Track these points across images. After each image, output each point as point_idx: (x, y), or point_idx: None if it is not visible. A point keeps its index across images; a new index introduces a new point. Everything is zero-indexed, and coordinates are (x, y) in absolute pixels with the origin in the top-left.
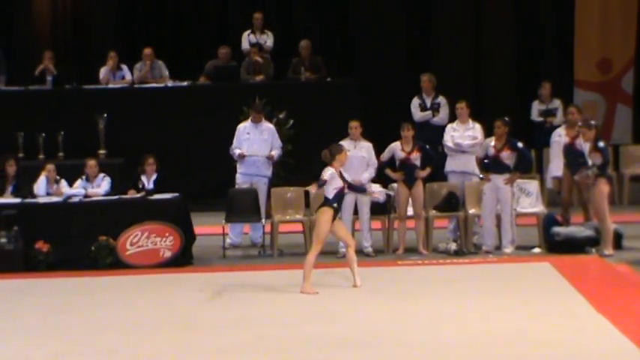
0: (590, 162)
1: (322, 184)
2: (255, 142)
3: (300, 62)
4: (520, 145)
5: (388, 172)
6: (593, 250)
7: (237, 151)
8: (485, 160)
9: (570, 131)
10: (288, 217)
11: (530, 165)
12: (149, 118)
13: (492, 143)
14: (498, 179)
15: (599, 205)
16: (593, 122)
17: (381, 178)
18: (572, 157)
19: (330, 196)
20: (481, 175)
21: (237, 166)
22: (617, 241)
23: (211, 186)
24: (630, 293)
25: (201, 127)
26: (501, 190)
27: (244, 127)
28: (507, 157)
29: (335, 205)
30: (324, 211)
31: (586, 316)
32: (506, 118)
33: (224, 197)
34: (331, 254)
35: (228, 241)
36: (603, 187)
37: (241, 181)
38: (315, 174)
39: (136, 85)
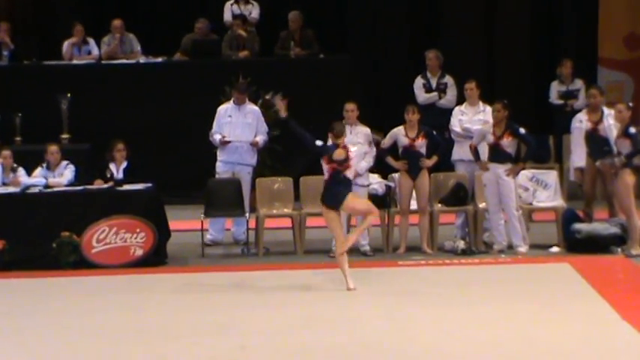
0: (615, 150)
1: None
2: (238, 126)
3: (289, 36)
4: (522, 130)
5: (389, 160)
6: (619, 249)
7: (217, 137)
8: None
9: (592, 116)
10: (275, 212)
11: (534, 153)
12: (118, 98)
13: (490, 130)
14: (499, 170)
15: (624, 198)
16: (630, 103)
17: (380, 167)
18: (596, 144)
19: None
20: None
21: (218, 153)
22: None
23: (189, 176)
24: None
25: (177, 109)
26: (503, 183)
27: (225, 110)
28: (508, 144)
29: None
30: (351, 196)
31: (610, 324)
32: (505, 101)
33: (203, 188)
34: (323, 253)
35: (208, 237)
36: (628, 179)
37: (222, 169)
38: (306, 163)
39: (103, 62)
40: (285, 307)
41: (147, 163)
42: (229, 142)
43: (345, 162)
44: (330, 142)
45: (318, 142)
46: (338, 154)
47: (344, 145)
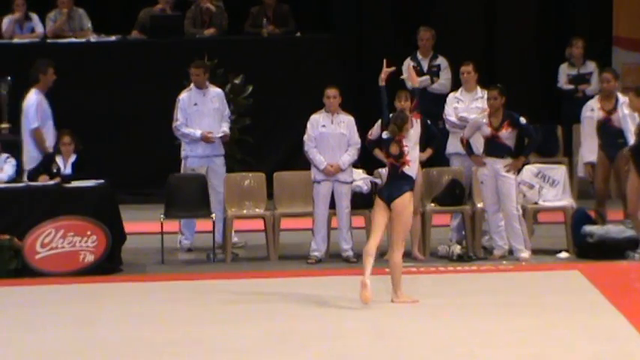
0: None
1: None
2: (207, 114)
3: (261, 12)
4: (523, 121)
5: (378, 153)
6: (637, 255)
7: (197, 132)
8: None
9: (605, 103)
10: (245, 212)
11: (536, 146)
12: (66, 82)
13: (486, 120)
14: (498, 165)
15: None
16: None
17: (365, 161)
18: (608, 136)
19: (415, 174)
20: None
21: (187, 147)
22: None
23: (147, 171)
24: None
25: (133, 94)
26: (502, 180)
27: (189, 97)
28: (508, 136)
29: None
30: (410, 196)
31: (626, 339)
32: (500, 86)
33: (163, 186)
34: (300, 259)
35: (184, 242)
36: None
37: (197, 165)
38: (280, 156)
39: (49, 40)
40: (255, 320)
41: (99, 156)
42: (213, 138)
43: (401, 157)
44: (385, 135)
45: (384, 134)
46: (393, 149)
47: (400, 138)
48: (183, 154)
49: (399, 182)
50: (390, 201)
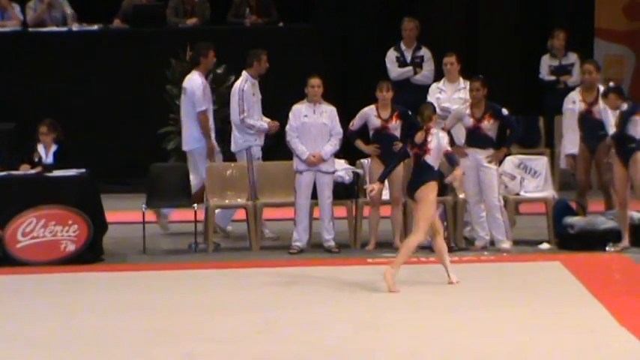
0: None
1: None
2: (259, 103)
3: (244, 2)
4: (505, 112)
5: (359, 144)
6: (617, 247)
7: (264, 124)
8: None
9: (587, 95)
10: (227, 202)
11: (518, 138)
12: (47, 71)
13: (468, 111)
14: (480, 156)
15: None
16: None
17: (347, 151)
18: (590, 128)
19: (436, 165)
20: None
21: (249, 136)
22: (638, 233)
23: (128, 160)
24: None
25: (116, 83)
26: (484, 171)
27: (248, 88)
28: (490, 127)
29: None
30: (433, 186)
31: (607, 330)
32: (481, 76)
33: (145, 175)
34: (282, 249)
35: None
36: None
37: (258, 154)
38: (262, 146)
39: (29, 29)
40: (237, 310)
41: (80, 145)
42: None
43: (424, 145)
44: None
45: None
46: (418, 137)
47: (428, 127)
48: (244, 144)
49: (419, 174)
50: (411, 195)
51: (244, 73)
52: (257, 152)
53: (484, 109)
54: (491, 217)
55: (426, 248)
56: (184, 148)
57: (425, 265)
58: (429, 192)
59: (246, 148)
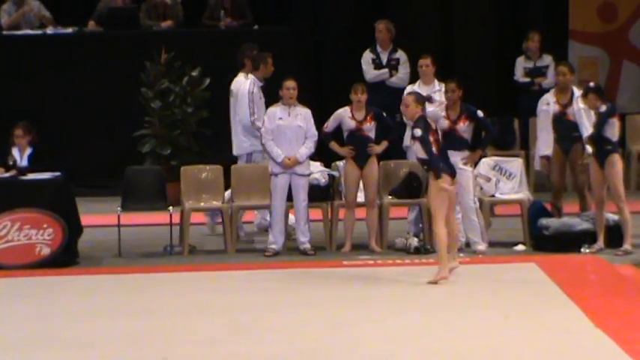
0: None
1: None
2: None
3: (219, 4)
4: (480, 114)
5: (333, 146)
6: (592, 248)
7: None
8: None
9: (561, 97)
10: (202, 204)
11: (493, 139)
12: (22, 74)
13: (443, 113)
14: (455, 158)
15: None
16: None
17: (323, 154)
18: (564, 130)
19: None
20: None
21: (255, 140)
22: (614, 234)
23: (104, 163)
24: (637, 303)
25: (91, 86)
26: (459, 172)
27: (257, 90)
28: (465, 129)
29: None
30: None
31: (582, 331)
32: (456, 78)
33: (120, 178)
34: (258, 251)
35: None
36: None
37: (260, 159)
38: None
39: (4, 32)
40: (212, 313)
41: (55, 148)
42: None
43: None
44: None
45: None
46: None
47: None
48: (249, 147)
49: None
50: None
51: (250, 75)
52: (258, 157)
53: (459, 111)
54: (467, 218)
55: (402, 250)
56: (234, 152)
57: (400, 267)
58: (431, 185)
59: (247, 153)
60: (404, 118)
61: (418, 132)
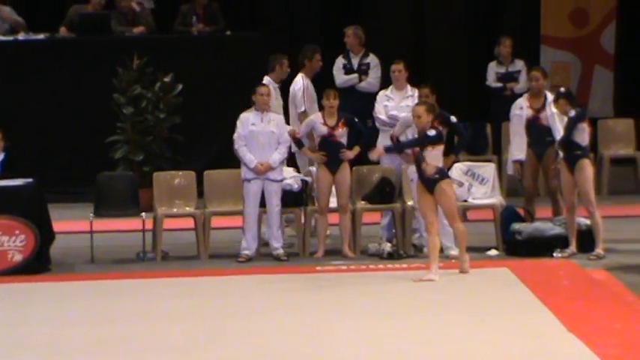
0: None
1: None
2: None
3: (191, 10)
4: (454, 119)
5: (306, 151)
6: (564, 252)
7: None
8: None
9: (534, 102)
10: (175, 211)
11: (466, 144)
12: None
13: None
14: None
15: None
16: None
17: (295, 159)
18: (537, 134)
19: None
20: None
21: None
22: (586, 239)
23: (76, 170)
24: (609, 307)
25: (62, 92)
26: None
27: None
28: None
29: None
30: (449, 183)
31: (554, 336)
32: (429, 84)
33: (92, 184)
34: (230, 257)
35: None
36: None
37: None
38: (210, 155)
39: None
40: (185, 319)
41: (28, 154)
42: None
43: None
44: None
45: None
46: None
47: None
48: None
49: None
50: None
51: (267, 78)
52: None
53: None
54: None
55: (375, 256)
56: (293, 150)
57: (373, 273)
58: (449, 189)
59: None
60: (376, 124)
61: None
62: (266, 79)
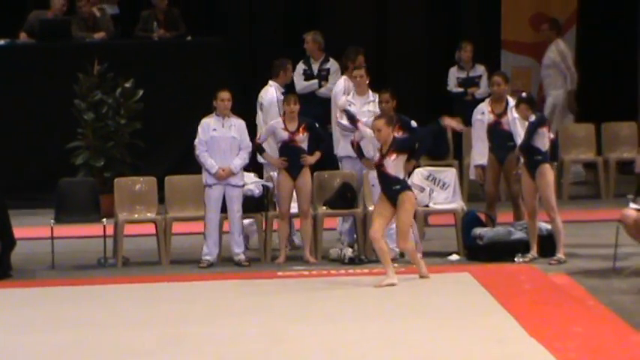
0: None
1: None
2: None
3: (152, 16)
4: (414, 124)
5: (265, 157)
6: (525, 257)
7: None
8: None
9: (496, 107)
10: (136, 216)
11: (427, 149)
12: None
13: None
14: None
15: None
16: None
17: (256, 165)
18: (499, 139)
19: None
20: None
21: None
22: (547, 244)
23: (36, 176)
24: (570, 312)
25: (22, 98)
26: None
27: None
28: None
29: None
30: (410, 195)
31: (515, 340)
32: (390, 89)
33: (53, 190)
34: (192, 263)
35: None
36: (549, 175)
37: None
38: (171, 160)
39: None
40: (146, 325)
41: None
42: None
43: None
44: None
45: None
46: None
47: None
48: (341, 152)
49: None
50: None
51: (272, 82)
52: (347, 164)
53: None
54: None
55: (336, 261)
56: (261, 160)
57: (335, 278)
58: (409, 202)
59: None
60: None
61: None
62: (271, 84)
